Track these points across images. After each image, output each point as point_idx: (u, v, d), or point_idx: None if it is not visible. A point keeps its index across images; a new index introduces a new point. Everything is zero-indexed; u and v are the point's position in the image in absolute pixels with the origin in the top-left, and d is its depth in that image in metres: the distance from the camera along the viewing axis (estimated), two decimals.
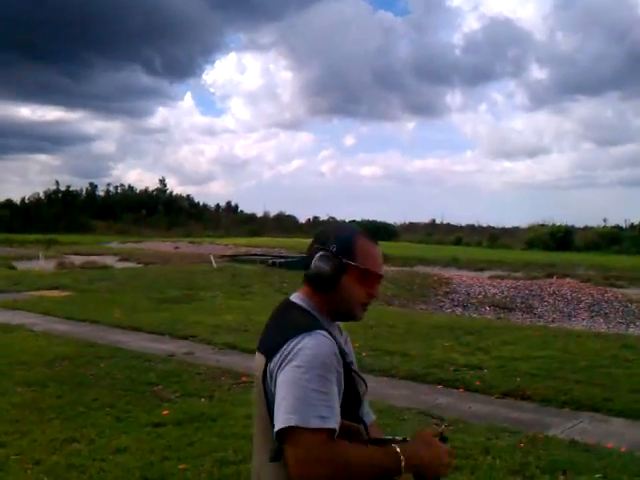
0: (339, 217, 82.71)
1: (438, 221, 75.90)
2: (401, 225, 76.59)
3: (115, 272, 22.63)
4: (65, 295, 16.38)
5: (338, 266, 1.69)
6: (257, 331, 8.01)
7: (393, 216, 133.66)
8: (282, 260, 23.96)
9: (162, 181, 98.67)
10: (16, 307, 13.93)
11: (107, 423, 5.96)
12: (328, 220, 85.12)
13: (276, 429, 1.49)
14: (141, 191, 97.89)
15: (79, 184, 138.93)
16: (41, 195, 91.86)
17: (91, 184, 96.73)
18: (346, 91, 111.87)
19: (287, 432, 1.48)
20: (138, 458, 5.05)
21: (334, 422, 1.51)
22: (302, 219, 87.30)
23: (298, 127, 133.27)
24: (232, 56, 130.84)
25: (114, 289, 17.17)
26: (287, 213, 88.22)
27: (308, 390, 1.50)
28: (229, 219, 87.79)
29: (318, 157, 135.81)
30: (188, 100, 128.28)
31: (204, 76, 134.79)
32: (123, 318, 12.18)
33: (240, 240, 52.15)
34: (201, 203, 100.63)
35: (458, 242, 56.96)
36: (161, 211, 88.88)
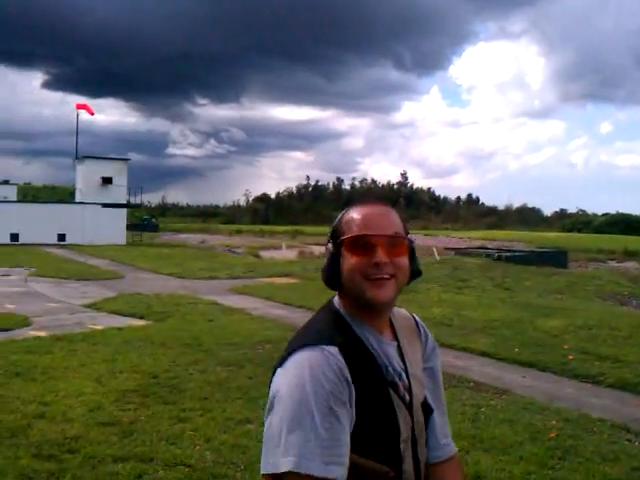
0: (590, 210, 77.41)
1: None
2: None
3: None
4: (291, 282, 17.32)
5: (333, 252, 1.44)
6: (461, 326, 7.84)
7: None
8: (508, 254, 22.92)
9: (404, 175, 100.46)
10: (244, 292, 15.04)
11: None
12: (577, 212, 79.92)
13: (264, 472, 1.24)
14: (383, 185, 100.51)
15: (327, 179, 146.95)
16: (293, 189, 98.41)
17: (338, 178, 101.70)
18: (602, 75, 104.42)
19: (271, 477, 1.22)
20: None
21: (339, 469, 1.22)
22: (548, 212, 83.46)
23: (548, 115, 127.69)
24: (480, 46, 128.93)
25: None
26: (531, 205, 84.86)
27: (309, 426, 1.22)
28: (469, 212, 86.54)
29: (569, 146, 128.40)
30: (434, 93, 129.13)
31: (451, 68, 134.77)
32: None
33: (477, 233, 51.06)
34: (442, 196, 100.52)
35: None
36: (402, 204, 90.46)
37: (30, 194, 65.98)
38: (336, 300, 1.49)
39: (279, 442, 1.22)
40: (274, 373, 1.35)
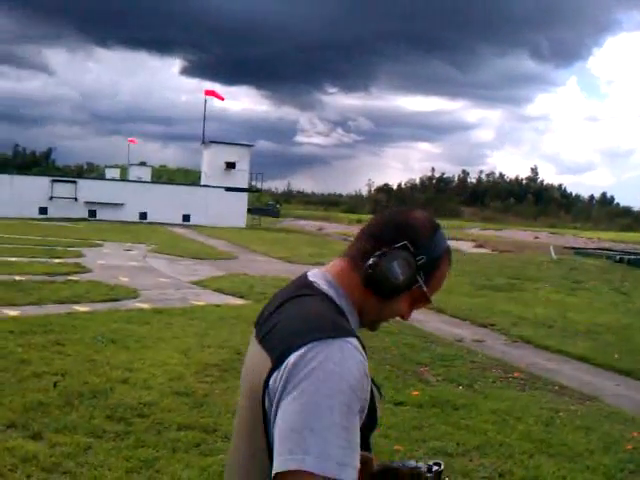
0: None
1: None
2: None
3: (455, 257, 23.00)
4: None
5: (411, 282, 1.31)
6: (563, 329, 7.57)
7: None
8: (632, 257, 21.52)
9: (534, 170, 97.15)
10: None
11: None
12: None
13: (277, 470, 1.10)
14: (511, 180, 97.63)
15: (453, 171, 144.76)
16: (417, 181, 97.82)
17: (464, 171, 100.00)
18: None
19: (288, 475, 1.10)
20: None
21: (352, 472, 1.12)
22: None
23: None
24: (622, 36, 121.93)
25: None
26: None
27: (328, 423, 1.10)
28: (602, 211, 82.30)
29: None
30: (571, 85, 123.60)
31: (590, 59, 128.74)
32: (433, 300, 12.31)
33: (607, 234, 48.54)
34: (573, 194, 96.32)
35: None
36: (530, 200, 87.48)
37: (164, 176, 69.53)
38: (323, 279, 1.35)
39: (297, 439, 1.10)
40: (283, 355, 1.17)
